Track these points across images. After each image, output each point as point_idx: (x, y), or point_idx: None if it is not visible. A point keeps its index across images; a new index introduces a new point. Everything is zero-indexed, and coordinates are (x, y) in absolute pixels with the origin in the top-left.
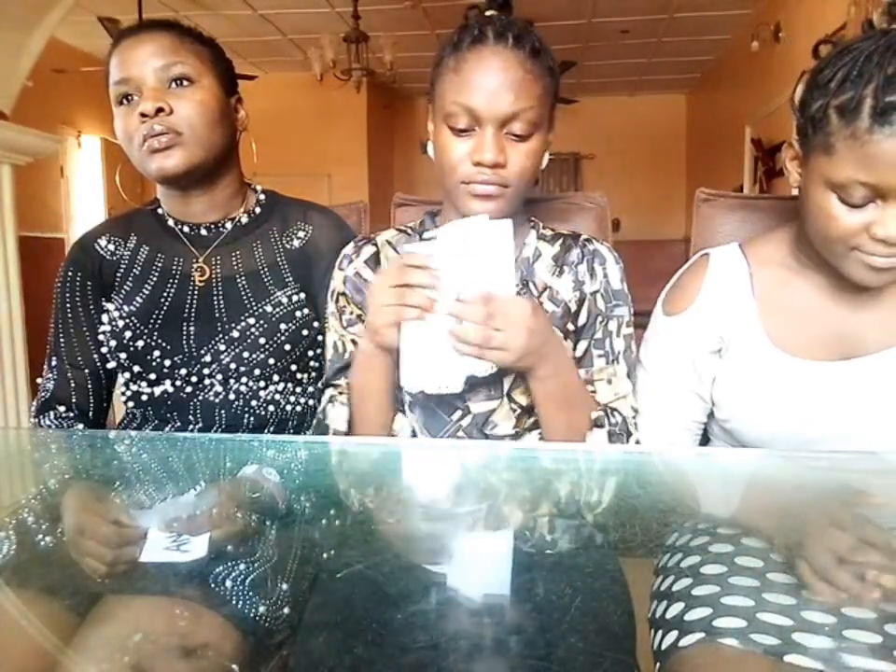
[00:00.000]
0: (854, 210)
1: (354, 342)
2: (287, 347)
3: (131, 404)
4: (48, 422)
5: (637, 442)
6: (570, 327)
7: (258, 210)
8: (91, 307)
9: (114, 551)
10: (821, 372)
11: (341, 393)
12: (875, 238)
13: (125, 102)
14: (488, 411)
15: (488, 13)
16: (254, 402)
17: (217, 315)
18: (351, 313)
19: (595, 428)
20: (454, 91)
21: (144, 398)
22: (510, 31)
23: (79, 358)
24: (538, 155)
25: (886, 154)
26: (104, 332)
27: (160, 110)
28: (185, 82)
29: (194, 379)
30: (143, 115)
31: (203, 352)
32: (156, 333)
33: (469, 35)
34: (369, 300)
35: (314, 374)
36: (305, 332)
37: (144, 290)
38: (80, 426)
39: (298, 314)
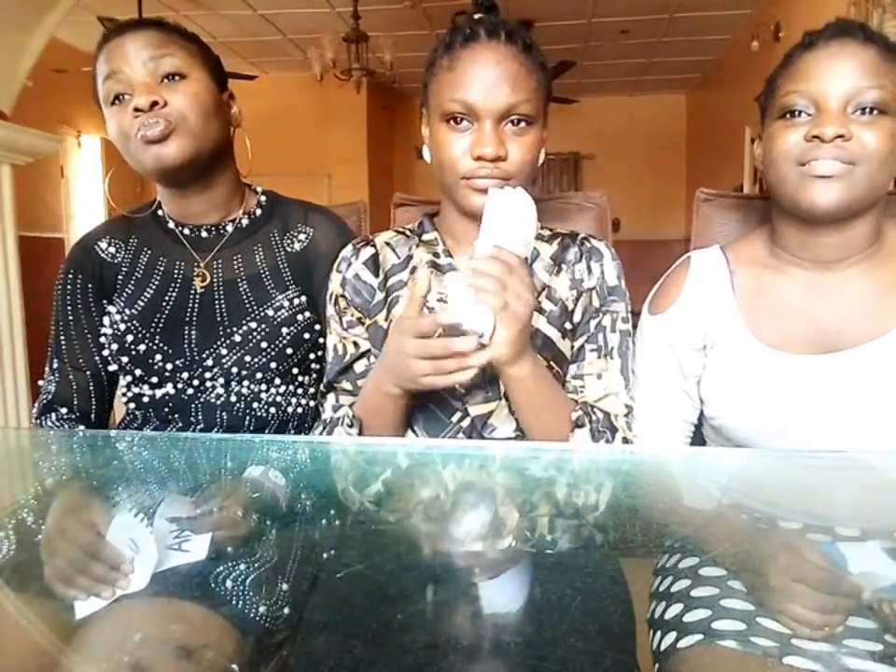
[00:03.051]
0: (795, 125)
1: (355, 343)
2: (289, 351)
3: (132, 406)
4: (50, 423)
5: (625, 440)
6: (568, 325)
7: (258, 212)
8: (93, 309)
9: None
10: (804, 367)
11: (353, 418)
12: (811, 137)
13: (117, 101)
14: (486, 413)
15: (476, 16)
16: (255, 405)
17: (219, 318)
18: (351, 315)
19: (576, 429)
20: (450, 89)
21: (145, 400)
22: (501, 28)
23: (81, 361)
24: (536, 148)
25: (810, 67)
26: (105, 335)
27: (154, 104)
28: (176, 77)
29: (196, 382)
30: (137, 109)
31: (204, 356)
32: (157, 337)
33: (460, 35)
34: (395, 347)
35: (314, 376)
36: (307, 335)
37: (145, 294)
38: (82, 427)
39: (299, 317)
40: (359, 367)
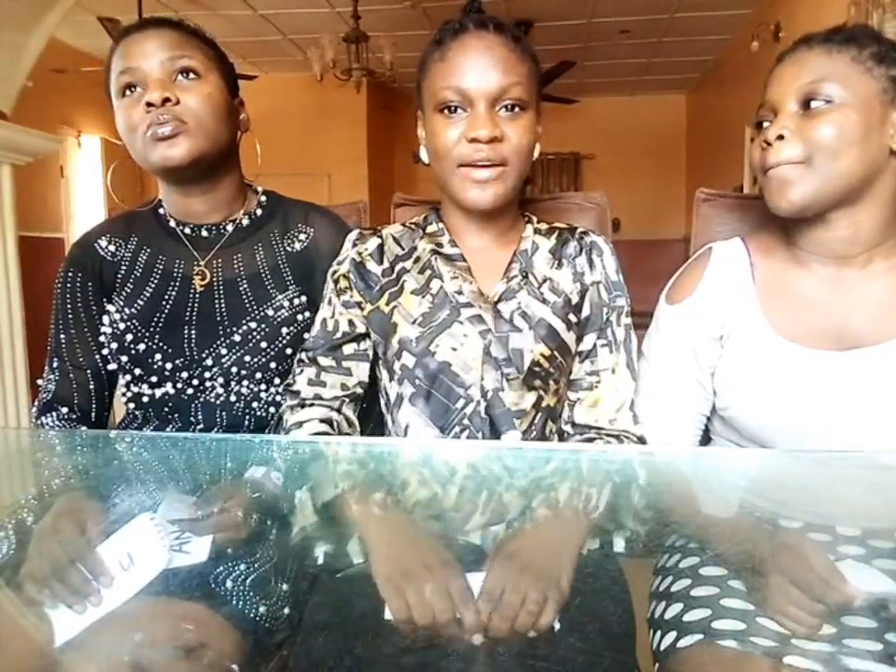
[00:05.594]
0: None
1: (351, 321)
2: (289, 351)
3: (131, 405)
4: (50, 422)
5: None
6: (573, 318)
7: (258, 212)
8: (93, 307)
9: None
10: (821, 361)
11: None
12: (768, 141)
13: (128, 93)
14: (495, 389)
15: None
16: (255, 404)
17: (219, 318)
18: (351, 296)
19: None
20: (443, 78)
21: (145, 399)
22: (489, 21)
23: (81, 359)
24: (531, 134)
25: (777, 76)
26: (104, 334)
27: (166, 100)
28: (191, 75)
29: (195, 382)
30: (149, 104)
31: (204, 355)
32: (157, 336)
33: (450, 30)
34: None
35: None
36: (307, 336)
37: (145, 293)
38: (84, 427)
39: (299, 317)
40: (348, 349)
